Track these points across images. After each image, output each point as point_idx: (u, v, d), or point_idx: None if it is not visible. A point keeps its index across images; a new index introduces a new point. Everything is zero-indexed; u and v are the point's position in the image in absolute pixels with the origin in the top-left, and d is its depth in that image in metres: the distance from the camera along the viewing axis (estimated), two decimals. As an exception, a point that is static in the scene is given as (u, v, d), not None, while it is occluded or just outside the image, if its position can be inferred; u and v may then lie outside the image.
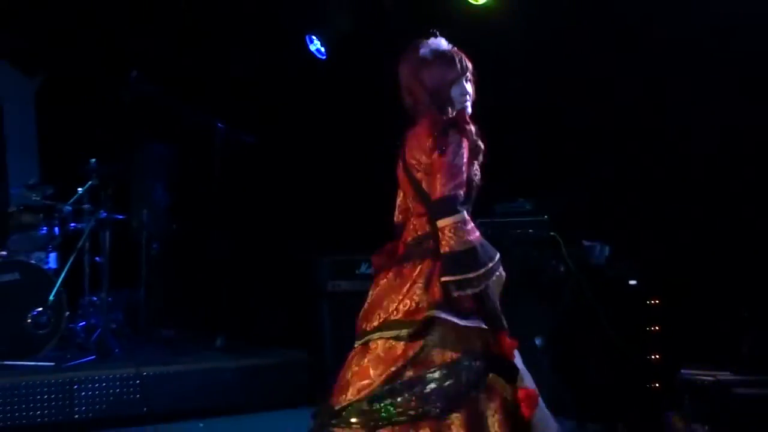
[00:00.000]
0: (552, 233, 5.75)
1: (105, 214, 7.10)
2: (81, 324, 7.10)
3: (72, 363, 6.39)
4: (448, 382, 3.27)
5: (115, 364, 6.45)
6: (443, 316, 3.34)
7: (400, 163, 3.66)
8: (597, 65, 6.25)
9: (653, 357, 5.71)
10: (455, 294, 3.33)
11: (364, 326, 3.56)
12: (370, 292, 3.67)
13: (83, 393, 5.99)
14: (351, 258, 7.11)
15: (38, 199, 7.10)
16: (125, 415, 6.06)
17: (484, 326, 3.38)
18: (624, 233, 5.89)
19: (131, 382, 6.14)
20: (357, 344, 3.55)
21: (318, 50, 7.66)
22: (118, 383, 6.11)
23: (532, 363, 3.74)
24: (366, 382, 3.38)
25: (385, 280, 3.63)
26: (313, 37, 7.63)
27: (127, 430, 5.97)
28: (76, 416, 5.94)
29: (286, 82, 7.90)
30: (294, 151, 7.91)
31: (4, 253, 6.81)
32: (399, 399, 3.29)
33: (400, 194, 3.79)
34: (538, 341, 5.49)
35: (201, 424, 6.12)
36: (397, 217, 3.81)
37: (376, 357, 3.42)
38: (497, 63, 6.53)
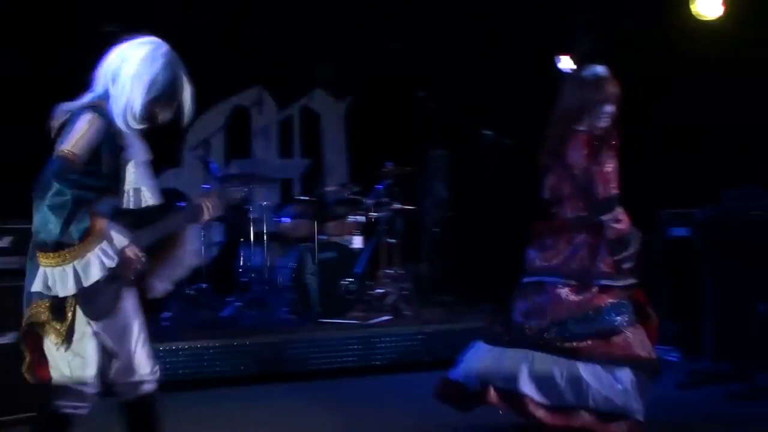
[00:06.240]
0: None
1: (398, 206, 7.24)
2: (379, 291, 7.17)
3: (372, 321, 6.57)
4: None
5: (404, 323, 6.60)
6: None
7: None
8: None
9: None
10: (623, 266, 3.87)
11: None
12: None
13: (380, 344, 6.15)
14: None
15: (348, 194, 7.39)
16: (411, 362, 6.16)
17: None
18: None
19: (417, 337, 6.23)
20: None
21: (566, 68, 7.38)
22: (407, 338, 6.23)
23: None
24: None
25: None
26: (561, 57, 7.44)
27: (411, 374, 6.01)
28: (375, 362, 6.12)
29: (538, 96, 7.61)
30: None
31: (323, 236, 7.09)
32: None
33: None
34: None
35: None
36: None
37: None
38: (726, 71, 6.22)
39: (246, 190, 3.35)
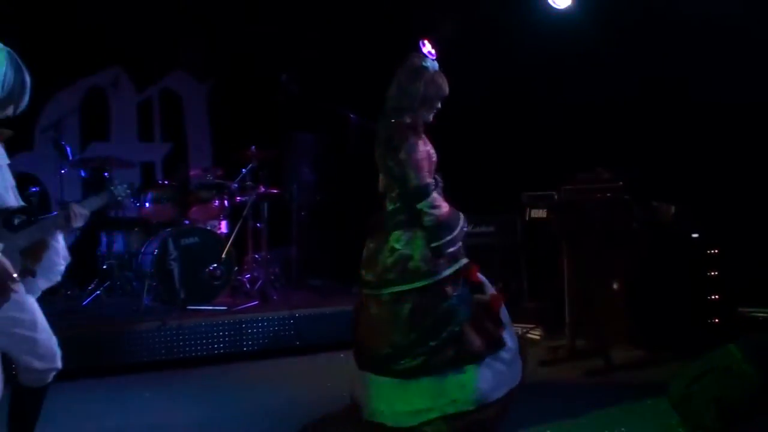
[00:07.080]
0: (626, 196, 5.67)
1: (263, 189, 7.11)
2: (247, 276, 7.10)
3: (240, 307, 6.45)
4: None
5: (273, 308, 6.48)
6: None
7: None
8: (667, 61, 6.11)
9: (713, 297, 5.61)
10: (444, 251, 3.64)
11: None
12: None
13: (249, 330, 6.06)
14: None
15: (211, 178, 7.22)
16: (282, 347, 6.11)
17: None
18: (687, 195, 5.74)
19: (286, 322, 6.17)
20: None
21: (429, 52, 7.51)
22: (276, 322, 6.15)
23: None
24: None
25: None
26: (425, 41, 7.47)
27: (283, 359, 5.98)
28: (245, 348, 6.04)
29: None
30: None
31: (187, 221, 6.94)
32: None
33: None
34: None
35: (342, 355, 5.84)
36: None
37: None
38: (578, 60, 6.44)
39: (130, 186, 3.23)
